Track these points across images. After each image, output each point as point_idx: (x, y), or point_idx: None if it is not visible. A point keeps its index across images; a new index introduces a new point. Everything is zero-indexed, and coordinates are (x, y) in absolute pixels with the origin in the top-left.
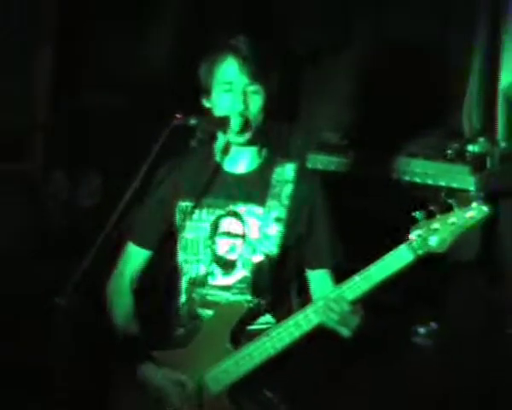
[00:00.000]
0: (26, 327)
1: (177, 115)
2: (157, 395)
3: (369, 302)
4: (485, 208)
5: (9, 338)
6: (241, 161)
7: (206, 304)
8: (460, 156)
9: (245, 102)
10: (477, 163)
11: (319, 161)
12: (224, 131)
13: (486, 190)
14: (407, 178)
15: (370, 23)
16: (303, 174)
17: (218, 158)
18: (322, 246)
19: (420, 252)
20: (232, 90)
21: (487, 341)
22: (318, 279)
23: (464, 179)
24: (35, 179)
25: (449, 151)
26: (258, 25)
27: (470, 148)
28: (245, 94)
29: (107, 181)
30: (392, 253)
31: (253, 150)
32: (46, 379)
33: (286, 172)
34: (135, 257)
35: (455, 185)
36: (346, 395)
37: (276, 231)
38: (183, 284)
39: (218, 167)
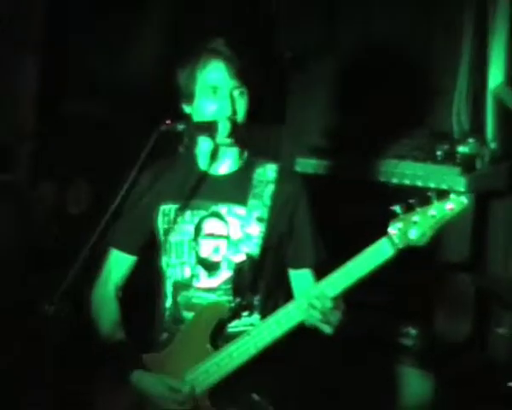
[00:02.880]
0: (14, 336)
1: (165, 121)
2: (150, 402)
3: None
4: (463, 200)
5: None
6: (222, 162)
7: (192, 307)
8: (449, 157)
9: (233, 105)
10: (467, 164)
11: (308, 165)
12: (212, 136)
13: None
14: (396, 180)
15: (356, 26)
16: (284, 174)
17: (200, 161)
18: (305, 246)
19: (400, 245)
20: (217, 94)
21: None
22: (300, 279)
23: (454, 180)
24: (22, 189)
25: (438, 152)
26: (245, 29)
27: (460, 149)
28: (232, 97)
29: (95, 189)
30: (371, 247)
31: (234, 152)
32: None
33: (267, 172)
34: (118, 263)
35: (444, 187)
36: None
37: (257, 231)
38: (168, 287)
39: (199, 170)
